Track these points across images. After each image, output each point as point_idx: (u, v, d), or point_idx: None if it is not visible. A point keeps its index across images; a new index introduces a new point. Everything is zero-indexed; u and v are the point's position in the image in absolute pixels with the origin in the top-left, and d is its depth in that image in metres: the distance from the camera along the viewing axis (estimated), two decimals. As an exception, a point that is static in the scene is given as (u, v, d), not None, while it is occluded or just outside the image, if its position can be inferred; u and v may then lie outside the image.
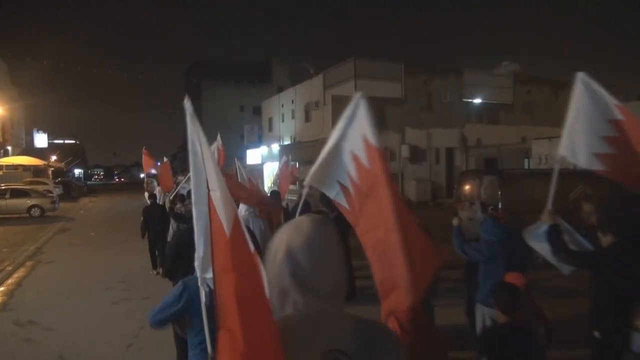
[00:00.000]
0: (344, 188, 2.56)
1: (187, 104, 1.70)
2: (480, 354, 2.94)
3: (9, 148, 34.36)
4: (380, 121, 24.09)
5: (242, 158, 30.32)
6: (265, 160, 32.41)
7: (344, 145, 2.55)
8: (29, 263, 10.25)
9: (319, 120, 26.62)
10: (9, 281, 8.61)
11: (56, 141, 61.48)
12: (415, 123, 23.98)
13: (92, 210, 24.80)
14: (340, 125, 2.56)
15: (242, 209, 5.70)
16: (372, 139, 2.37)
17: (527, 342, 2.84)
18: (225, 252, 1.39)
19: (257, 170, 26.23)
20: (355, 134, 2.48)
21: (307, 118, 29.40)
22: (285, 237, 1.19)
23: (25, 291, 7.94)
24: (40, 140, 49.96)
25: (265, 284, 1.22)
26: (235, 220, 1.45)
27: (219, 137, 9.09)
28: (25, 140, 42.54)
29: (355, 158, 2.47)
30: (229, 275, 1.33)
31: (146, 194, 9.17)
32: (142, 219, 8.84)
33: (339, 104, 23.76)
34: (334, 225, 1.27)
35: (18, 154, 34.45)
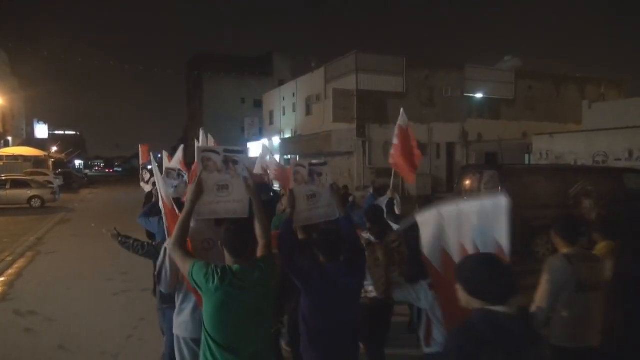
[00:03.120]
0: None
1: (152, 159, 3.64)
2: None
3: (10, 139, 34.31)
4: (381, 115, 24.02)
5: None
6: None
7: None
8: (29, 254, 10.29)
9: (320, 114, 26.50)
10: (10, 271, 8.64)
11: (57, 132, 61.34)
12: (416, 117, 23.78)
13: (92, 201, 24.84)
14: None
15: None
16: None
17: None
18: (169, 214, 3.24)
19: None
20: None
21: (308, 111, 29.24)
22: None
23: (26, 281, 7.98)
24: (41, 131, 49.68)
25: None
26: (171, 200, 3.25)
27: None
28: (25, 131, 42.37)
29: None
30: (172, 220, 3.04)
31: (142, 184, 9.32)
32: (144, 202, 8.95)
33: (340, 98, 23.63)
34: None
35: (18, 145, 34.39)
